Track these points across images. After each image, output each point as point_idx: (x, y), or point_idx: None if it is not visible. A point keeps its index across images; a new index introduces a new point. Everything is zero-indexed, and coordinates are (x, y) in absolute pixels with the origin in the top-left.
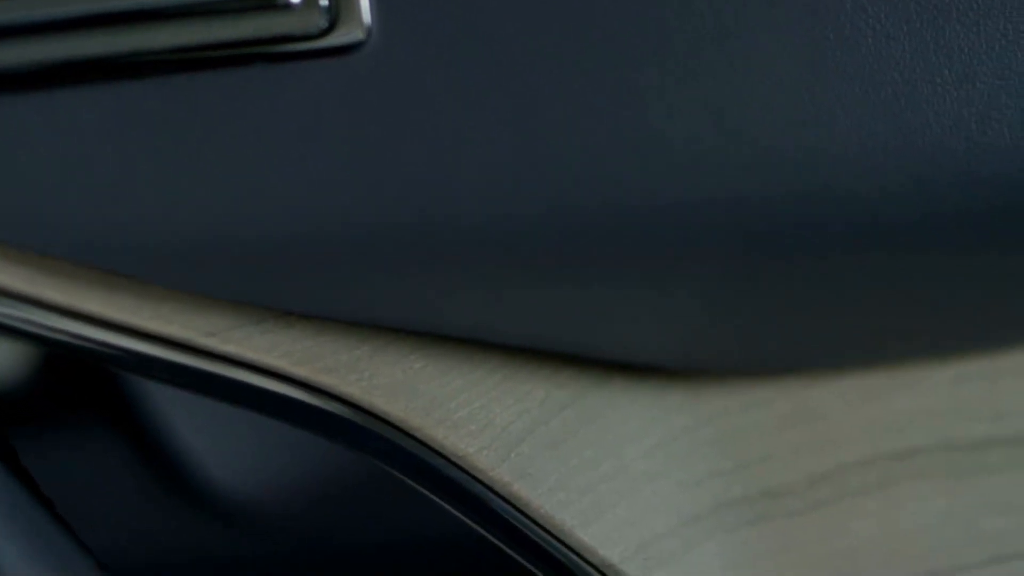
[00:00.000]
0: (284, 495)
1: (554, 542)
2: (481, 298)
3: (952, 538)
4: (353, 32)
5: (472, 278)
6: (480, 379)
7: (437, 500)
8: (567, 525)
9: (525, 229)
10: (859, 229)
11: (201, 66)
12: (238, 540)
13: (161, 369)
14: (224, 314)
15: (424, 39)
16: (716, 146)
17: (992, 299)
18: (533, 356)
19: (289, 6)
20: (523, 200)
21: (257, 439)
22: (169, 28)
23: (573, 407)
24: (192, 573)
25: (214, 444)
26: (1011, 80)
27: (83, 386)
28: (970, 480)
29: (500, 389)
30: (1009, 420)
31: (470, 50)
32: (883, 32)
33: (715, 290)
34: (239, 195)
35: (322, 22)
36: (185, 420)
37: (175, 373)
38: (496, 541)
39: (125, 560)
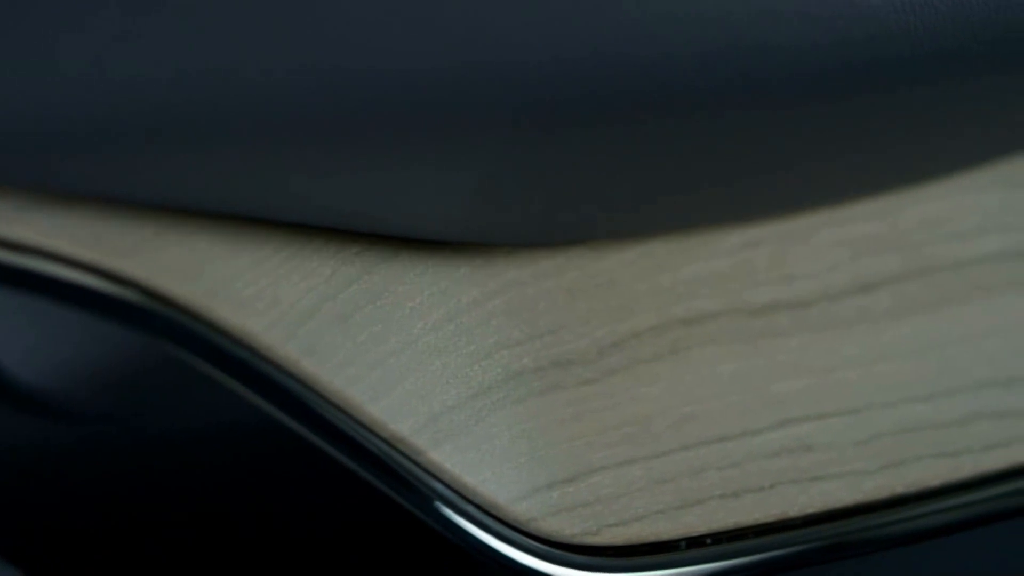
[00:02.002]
0: (74, 382)
1: (343, 417)
2: (264, 176)
3: (742, 402)
4: None
5: (253, 156)
6: (266, 257)
7: (226, 381)
8: (356, 400)
9: (302, 103)
10: (641, 95)
11: None
12: (29, 426)
13: None
14: (5, 199)
15: None
16: (495, 14)
17: (778, 163)
18: (319, 233)
19: None
20: (298, 73)
21: (46, 326)
22: None
23: (360, 283)
24: None
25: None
26: None
27: None
28: (759, 344)
29: (287, 267)
30: (797, 284)
31: None
32: None
33: (500, 161)
34: (11, 75)
35: None
36: None
37: None
38: (285, 418)
39: None
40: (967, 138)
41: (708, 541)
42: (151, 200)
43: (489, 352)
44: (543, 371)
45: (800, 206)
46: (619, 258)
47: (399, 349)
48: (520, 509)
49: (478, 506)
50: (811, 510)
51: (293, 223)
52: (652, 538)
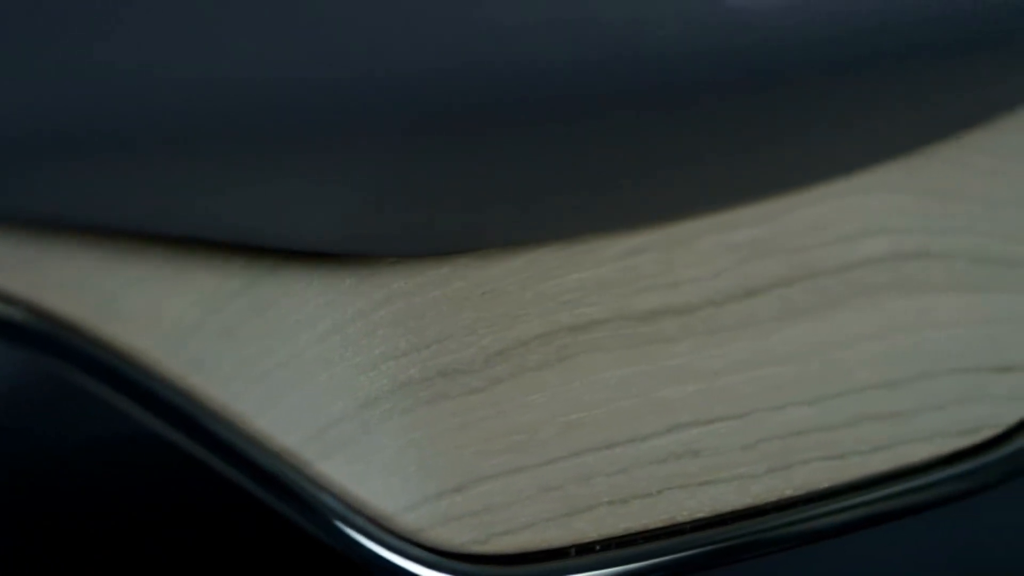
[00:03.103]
0: None
1: (231, 431)
2: (147, 190)
3: (630, 408)
4: None
5: (135, 170)
6: (150, 272)
7: (112, 397)
8: (243, 414)
9: (181, 116)
10: (517, 103)
11: None
12: None
13: None
14: None
15: None
16: (370, 25)
17: (661, 169)
18: (203, 247)
19: None
20: (178, 85)
21: None
22: None
23: (245, 296)
24: None
25: None
26: None
27: None
28: (646, 350)
29: (171, 281)
30: (682, 289)
31: None
32: None
33: (381, 172)
34: None
35: None
36: None
37: None
38: (172, 434)
39: None
40: (849, 142)
41: (598, 548)
42: (33, 216)
43: (376, 363)
44: (430, 381)
45: (685, 212)
46: (505, 267)
47: (285, 362)
48: (409, 519)
49: (367, 517)
50: (700, 515)
51: (177, 237)
52: (542, 546)
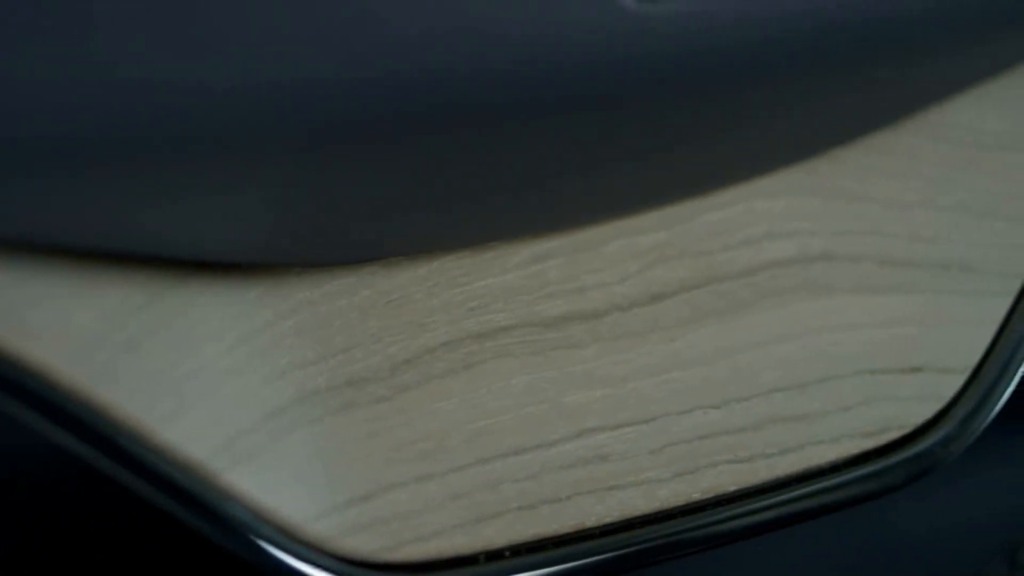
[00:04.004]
0: None
1: (138, 444)
2: (51, 203)
3: (537, 414)
4: None
5: (39, 183)
6: (56, 285)
7: (18, 410)
8: (151, 426)
9: (85, 127)
10: (419, 113)
11: None
12: None
13: None
14: None
15: None
16: (270, 35)
17: (565, 176)
18: (109, 259)
19: None
20: (79, 97)
21: None
22: None
23: (152, 308)
24: None
25: None
26: None
27: None
28: (553, 356)
29: (77, 294)
30: (589, 295)
31: None
32: None
33: (284, 182)
34: None
35: None
36: None
37: None
38: (79, 447)
39: None
40: (754, 146)
41: (507, 554)
42: None
43: (283, 373)
44: (337, 390)
45: (590, 218)
46: (411, 275)
47: (192, 373)
48: (318, 528)
49: (276, 527)
50: (608, 519)
51: (81, 251)
52: (451, 553)
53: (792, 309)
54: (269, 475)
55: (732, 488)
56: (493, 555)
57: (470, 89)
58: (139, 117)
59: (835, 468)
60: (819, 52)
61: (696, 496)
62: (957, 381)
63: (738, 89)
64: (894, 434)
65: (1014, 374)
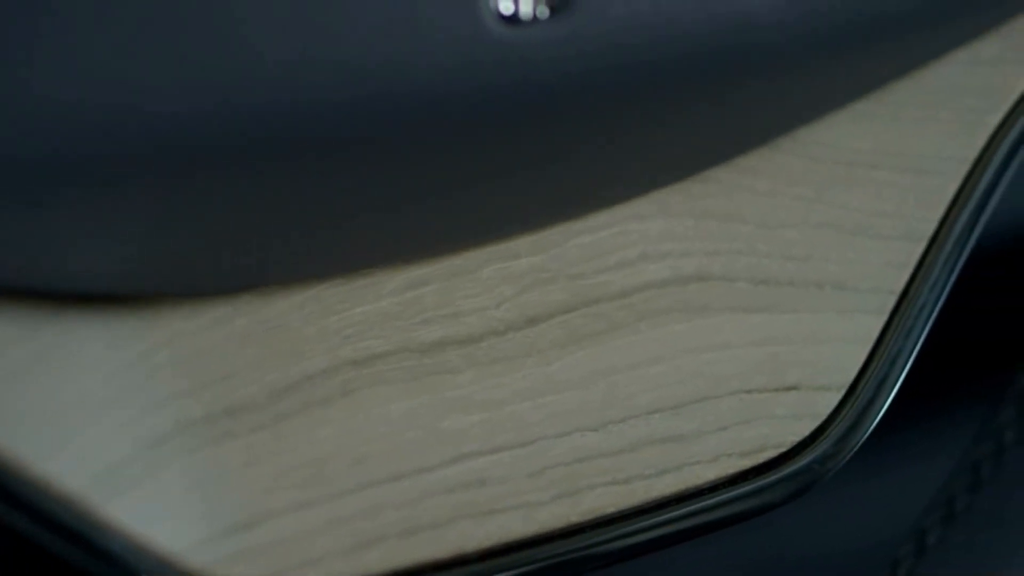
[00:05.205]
0: None
1: (14, 479)
2: None
3: (415, 440)
4: None
5: None
6: None
7: None
8: (27, 460)
9: None
10: (280, 141)
11: None
12: None
13: None
14: None
15: None
16: (132, 63)
17: (435, 201)
18: None
19: None
20: None
21: None
22: None
23: (27, 341)
24: None
25: None
26: None
27: None
28: (430, 381)
29: None
30: (464, 320)
31: None
32: None
33: (157, 212)
34: None
35: None
36: None
37: None
38: None
39: None
40: (626, 169)
41: None
42: None
43: (161, 403)
44: (215, 419)
45: (464, 242)
46: (288, 303)
47: (69, 406)
48: (198, 559)
49: (157, 558)
50: (488, 544)
51: None
52: None
53: (667, 330)
54: (149, 506)
55: (611, 510)
56: None
57: (334, 117)
58: (5, 149)
59: (714, 488)
60: (687, 75)
61: (575, 518)
62: (833, 399)
63: (606, 113)
64: (772, 452)
65: (890, 391)
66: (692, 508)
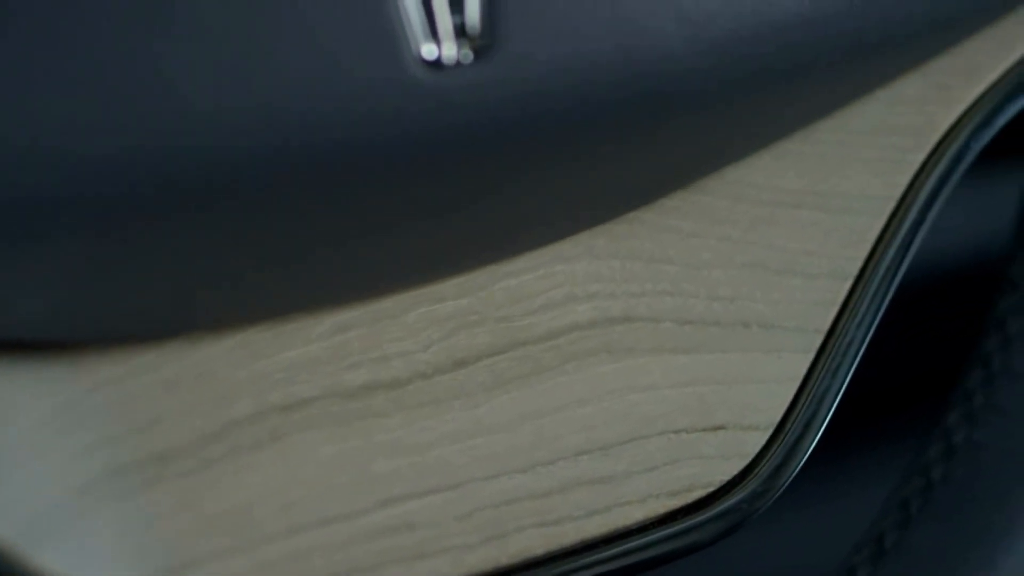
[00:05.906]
0: None
1: None
2: None
3: (343, 484)
4: None
5: None
6: None
7: None
8: None
9: None
10: (204, 187)
11: None
12: None
13: None
14: None
15: None
16: (57, 105)
17: (359, 246)
18: None
19: None
20: None
21: None
22: None
23: None
24: None
25: None
26: None
27: None
28: (357, 425)
29: None
30: (391, 363)
31: None
32: None
33: (82, 259)
34: None
35: None
36: None
37: None
38: None
39: None
40: (550, 212)
41: None
42: None
43: (89, 450)
44: (143, 465)
45: (390, 286)
46: (216, 348)
47: None
48: None
49: None
50: None
51: None
52: None
53: (594, 372)
54: (78, 553)
55: (541, 552)
56: None
57: (258, 165)
58: None
59: (643, 528)
60: (610, 117)
61: (505, 561)
62: (761, 438)
63: (531, 155)
64: (700, 492)
65: (818, 429)
66: (622, 549)
